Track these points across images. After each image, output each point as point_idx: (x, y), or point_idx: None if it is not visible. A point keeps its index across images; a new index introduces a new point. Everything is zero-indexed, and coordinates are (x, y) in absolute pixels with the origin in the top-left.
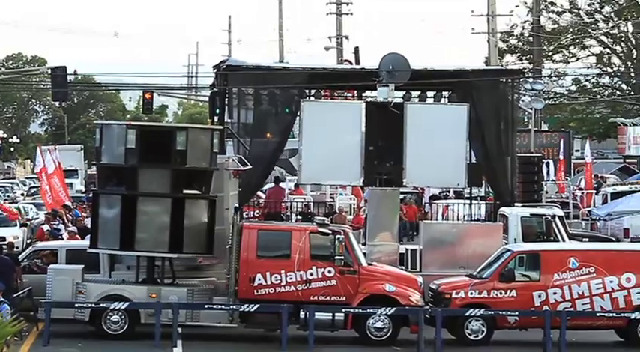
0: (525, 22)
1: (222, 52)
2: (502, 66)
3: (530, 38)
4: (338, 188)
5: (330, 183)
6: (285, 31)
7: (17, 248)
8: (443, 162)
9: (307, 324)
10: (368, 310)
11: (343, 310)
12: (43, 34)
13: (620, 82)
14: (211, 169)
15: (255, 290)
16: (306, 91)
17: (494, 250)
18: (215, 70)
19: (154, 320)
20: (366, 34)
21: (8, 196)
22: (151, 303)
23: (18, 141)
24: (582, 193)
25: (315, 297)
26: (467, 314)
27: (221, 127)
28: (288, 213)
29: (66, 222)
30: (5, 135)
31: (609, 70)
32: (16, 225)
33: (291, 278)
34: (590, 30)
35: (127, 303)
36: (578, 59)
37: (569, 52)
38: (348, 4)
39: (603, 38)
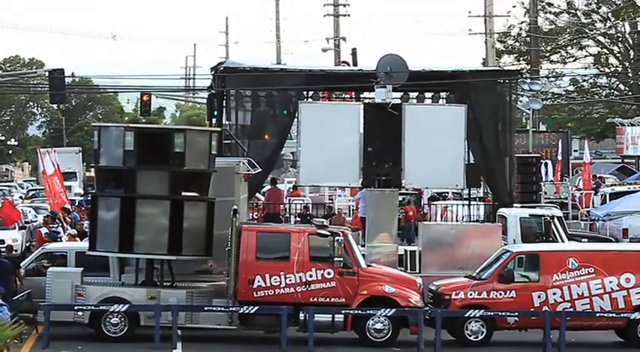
0: (522, 22)
1: (220, 54)
2: (500, 66)
3: (528, 39)
4: (337, 189)
5: (328, 184)
6: (283, 32)
7: (16, 251)
8: (441, 163)
9: (307, 326)
10: (367, 311)
11: (343, 311)
12: (40, 36)
13: (617, 82)
14: (209, 171)
15: (254, 292)
16: (304, 93)
17: (493, 251)
18: (213, 72)
19: (153, 322)
20: (363, 36)
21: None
22: (151, 306)
23: (16, 143)
24: (581, 193)
25: (315, 299)
26: (466, 315)
27: (219, 129)
28: (287, 215)
29: (64, 224)
30: (3, 138)
31: (607, 70)
32: (14, 228)
33: (290, 280)
34: (587, 30)
35: (127, 306)
36: (575, 59)
37: (567, 53)
38: (345, 5)
39: (601, 38)
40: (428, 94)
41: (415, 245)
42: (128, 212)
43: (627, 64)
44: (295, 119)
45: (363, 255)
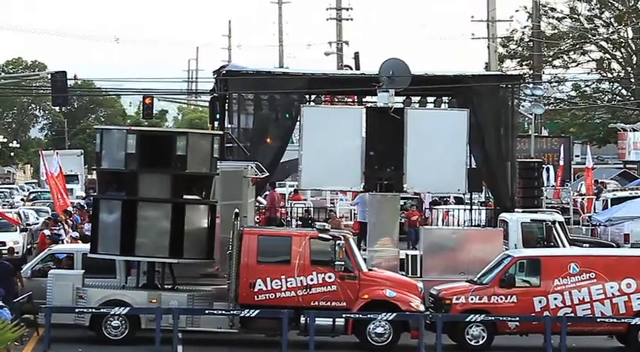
0: (525, 27)
1: (222, 57)
2: (502, 71)
3: (530, 43)
4: (338, 193)
5: (330, 188)
6: (285, 36)
7: (17, 253)
8: (443, 167)
9: (308, 330)
10: (368, 315)
11: (344, 315)
12: (43, 38)
13: (620, 88)
14: (211, 174)
15: (255, 296)
16: (307, 97)
17: (494, 256)
18: (215, 76)
19: (154, 325)
20: (366, 40)
21: (7, 202)
22: (152, 308)
23: (18, 146)
24: (582, 199)
25: (316, 303)
26: (467, 319)
27: (221, 132)
28: (289, 219)
29: (66, 227)
30: (5, 140)
31: (609, 75)
32: (16, 230)
33: (291, 284)
34: (590, 35)
35: (128, 308)
36: (578, 64)
37: (569, 58)
38: (348, 9)
39: (603, 43)
40: (430, 99)
41: (416, 249)
42: (130, 215)
43: (630, 69)
44: (297, 123)
45: (364, 259)
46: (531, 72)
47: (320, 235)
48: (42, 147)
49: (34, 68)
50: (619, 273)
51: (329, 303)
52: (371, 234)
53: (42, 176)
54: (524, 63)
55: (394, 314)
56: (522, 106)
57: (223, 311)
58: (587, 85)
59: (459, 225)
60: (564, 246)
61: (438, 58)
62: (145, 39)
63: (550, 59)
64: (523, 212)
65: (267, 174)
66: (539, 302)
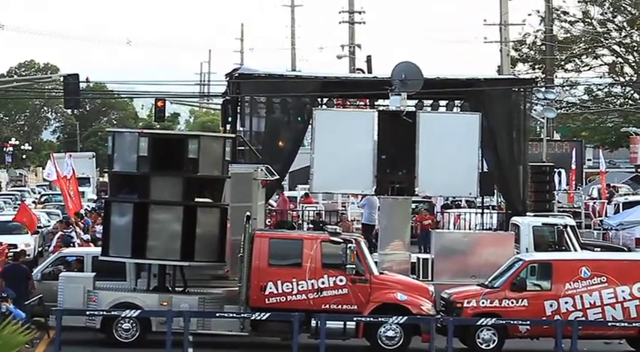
0: (538, 31)
1: (235, 60)
2: (514, 75)
3: (543, 47)
4: (350, 197)
5: (341, 191)
6: (298, 39)
7: (29, 255)
8: (455, 171)
9: (318, 333)
10: (379, 319)
11: (355, 319)
12: (55, 41)
13: (632, 92)
14: (223, 177)
15: (266, 299)
16: (319, 100)
17: (505, 259)
18: (227, 78)
19: (165, 328)
20: (378, 43)
21: (18, 204)
22: (163, 311)
23: (30, 148)
24: (594, 203)
25: (327, 306)
26: (478, 323)
27: (233, 135)
28: (300, 222)
29: (77, 230)
30: (17, 143)
31: (622, 79)
32: (27, 233)
33: (302, 287)
34: (602, 39)
35: (139, 311)
36: (590, 68)
37: (582, 61)
38: (360, 12)
39: (616, 47)
40: (442, 102)
41: (428, 253)
42: (141, 217)
43: None
44: (309, 126)
45: (376, 263)
46: (543, 76)
47: (331, 238)
48: (54, 150)
49: (46, 71)
50: (630, 277)
51: (340, 306)
52: (382, 237)
53: (47, 177)
54: (536, 66)
55: (405, 318)
56: (534, 110)
57: (234, 314)
58: (599, 89)
59: (470, 229)
60: (576, 250)
61: (451, 62)
62: (157, 41)
63: (562, 63)
64: (535, 216)
65: (278, 177)
66: (551, 305)
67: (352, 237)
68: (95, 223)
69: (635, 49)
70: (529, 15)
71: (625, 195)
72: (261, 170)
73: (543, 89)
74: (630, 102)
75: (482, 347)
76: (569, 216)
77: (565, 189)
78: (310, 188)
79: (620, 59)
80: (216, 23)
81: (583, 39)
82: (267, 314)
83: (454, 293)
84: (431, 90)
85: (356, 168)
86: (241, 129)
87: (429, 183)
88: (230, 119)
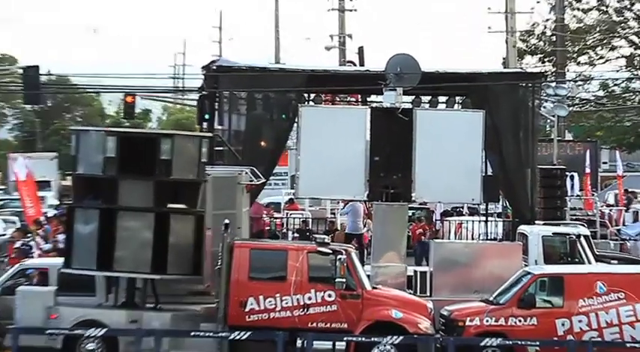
0: (547, 20)
1: (212, 52)
2: (522, 68)
3: (553, 38)
4: (340, 203)
5: (330, 197)
6: (282, 28)
7: None
8: (456, 174)
9: None
10: (372, 339)
11: (345, 338)
12: (13, 30)
13: None
14: (199, 181)
15: (247, 316)
16: (305, 95)
17: (512, 273)
18: (204, 71)
19: (134, 348)
20: (371, 33)
21: None
22: (131, 330)
23: None
24: (611, 210)
25: (314, 324)
26: (482, 343)
27: (210, 134)
28: (284, 230)
29: (37, 239)
30: None
31: None
32: None
33: (287, 303)
34: (619, 29)
35: (105, 330)
36: (606, 61)
37: (596, 54)
38: None
39: (634, 38)
40: (442, 98)
41: (425, 265)
42: (108, 225)
43: None
44: (295, 124)
45: (368, 276)
46: (554, 69)
47: (319, 249)
48: (11, 150)
49: (3, 62)
50: None
51: (328, 325)
52: (375, 247)
53: (10, 180)
54: (546, 59)
55: (401, 338)
56: (544, 107)
57: (210, 333)
58: (615, 84)
59: (473, 239)
60: (590, 263)
61: (451, 54)
62: (127, 32)
63: (575, 55)
64: (544, 224)
65: (263, 180)
66: (562, 324)
67: (342, 247)
68: (56, 231)
69: None
70: (538, 2)
71: None
72: (246, 173)
73: (554, 84)
74: None
75: None
76: (583, 225)
77: (578, 195)
78: (296, 193)
79: (638, 51)
80: (192, 11)
81: (598, 29)
82: (248, 334)
83: (455, 310)
84: (429, 85)
85: (346, 171)
86: (219, 127)
87: (427, 187)
88: (207, 116)
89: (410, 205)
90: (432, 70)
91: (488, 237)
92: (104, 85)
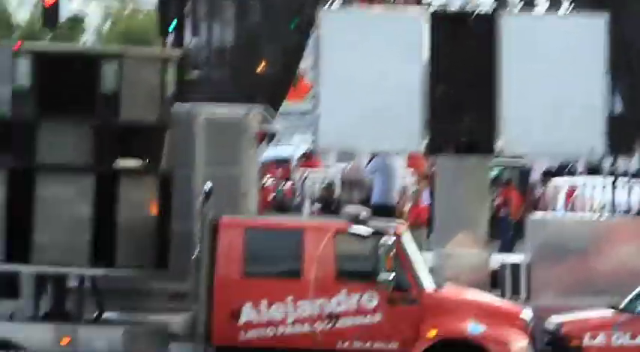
0: None
1: None
2: None
3: None
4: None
5: (369, 149)
6: None
7: None
8: (564, 114)
9: None
10: None
11: None
12: None
13: None
14: (163, 124)
15: (241, 332)
16: None
17: None
18: None
19: None
20: None
21: None
22: None
23: None
24: None
25: (346, 344)
26: None
27: (179, 53)
28: (298, 198)
29: None
30: None
31: None
32: None
33: (303, 312)
34: None
35: None
36: None
37: None
38: None
39: None
40: None
41: (520, 253)
42: (22, 194)
43: None
44: (311, 37)
45: (431, 269)
46: None
47: (352, 229)
48: None
49: None
50: None
51: (369, 344)
52: (441, 226)
53: None
54: None
55: None
56: None
57: None
58: None
59: (593, 212)
60: None
61: None
62: None
63: None
64: None
65: (278, 126)
66: None
67: (389, 225)
68: None
69: None
70: None
71: None
72: (258, 114)
73: None
74: None
75: None
76: None
77: None
78: (315, 143)
79: None
80: None
81: None
82: None
83: (567, 321)
84: None
85: (393, 109)
86: (193, 41)
87: (519, 134)
88: (173, 24)
89: (494, 161)
90: None
91: (618, 210)
92: None
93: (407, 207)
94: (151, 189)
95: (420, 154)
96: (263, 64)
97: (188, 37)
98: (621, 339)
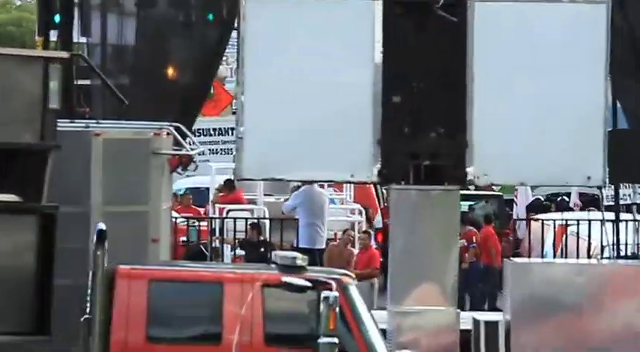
0: None
1: None
2: None
3: None
4: (325, 187)
5: (305, 178)
6: None
7: None
8: (554, 128)
9: None
10: None
11: None
12: None
13: None
14: (45, 148)
15: None
16: None
17: None
18: None
19: None
20: None
21: None
22: None
23: None
24: None
25: None
26: None
27: (66, 54)
28: (217, 242)
29: None
30: None
31: None
32: None
33: None
34: None
35: None
36: None
37: None
38: None
39: None
40: None
41: (498, 310)
42: None
43: None
44: (233, 32)
45: (383, 332)
46: None
47: (286, 279)
48: None
49: None
50: None
51: None
52: (396, 275)
53: None
54: None
55: None
56: None
57: None
58: None
59: (590, 256)
60: None
61: None
62: None
63: None
64: None
65: (201, 148)
66: None
67: (332, 276)
68: None
69: None
70: None
71: None
72: (168, 133)
73: None
74: None
75: None
76: None
77: None
78: (237, 171)
79: None
80: None
81: None
82: None
83: None
84: None
85: (337, 124)
86: (83, 40)
87: (496, 157)
88: (57, 19)
89: (464, 191)
90: None
91: (621, 252)
92: None
93: (355, 252)
94: (29, 232)
95: (369, 184)
96: (172, 69)
97: (77, 36)
98: None
